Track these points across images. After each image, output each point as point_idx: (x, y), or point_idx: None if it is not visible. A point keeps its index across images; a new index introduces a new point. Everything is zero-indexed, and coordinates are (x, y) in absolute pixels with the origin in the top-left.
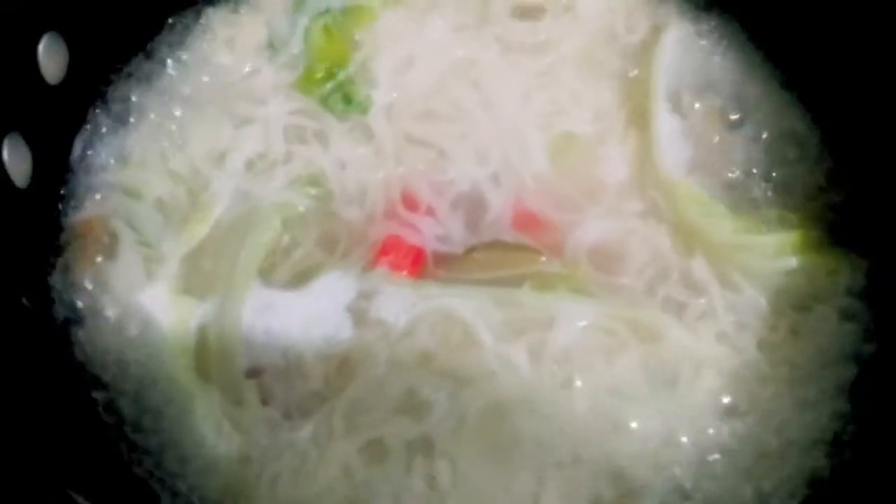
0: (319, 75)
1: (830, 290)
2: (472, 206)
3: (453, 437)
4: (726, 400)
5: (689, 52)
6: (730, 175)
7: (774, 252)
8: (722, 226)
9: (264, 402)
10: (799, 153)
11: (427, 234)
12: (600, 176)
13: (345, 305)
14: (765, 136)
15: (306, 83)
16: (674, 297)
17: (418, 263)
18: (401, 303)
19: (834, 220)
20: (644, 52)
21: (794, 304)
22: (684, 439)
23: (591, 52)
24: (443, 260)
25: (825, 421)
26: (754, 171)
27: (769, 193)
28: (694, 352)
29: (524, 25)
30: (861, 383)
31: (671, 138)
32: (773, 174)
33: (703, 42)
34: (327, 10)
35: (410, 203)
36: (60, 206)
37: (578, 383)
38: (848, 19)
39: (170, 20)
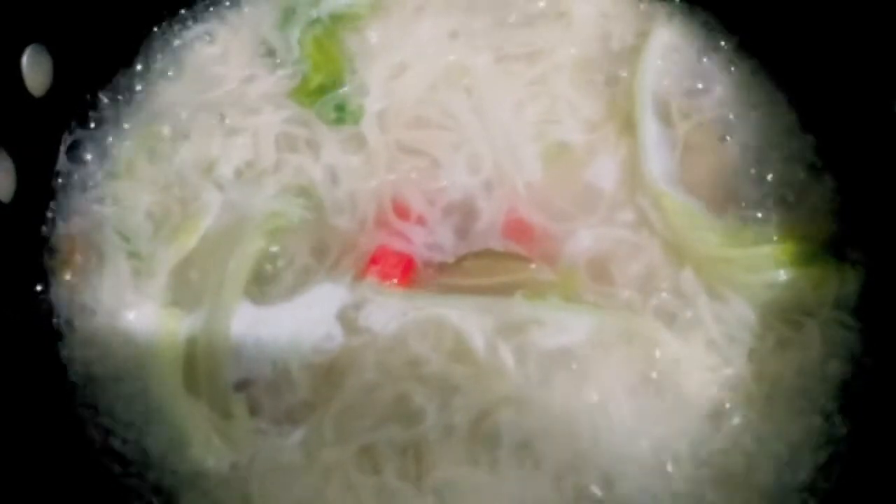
0: (313, 86)
1: (819, 303)
2: (464, 215)
3: (445, 443)
4: (715, 409)
5: (678, 58)
6: (719, 184)
7: (760, 265)
8: (707, 238)
9: (253, 412)
10: (791, 161)
11: (417, 242)
12: (593, 185)
13: (334, 315)
14: (756, 143)
15: (300, 94)
16: (664, 307)
17: (409, 272)
18: (390, 312)
19: (825, 231)
20: (635, 58)
21: (782, 316)
22: (674, 446)
23: (584, 59)
24: (433, 268)
25: (816, 433)
26: (744, 179)
27: (759, 203)
28: (684, 361)
29: (517, 31)
30: (852, 395)
31: (658, 146)
32: (764, 183)
33: (693, 47)
34: (318, 19)
35: (401, 211)
36: (47, 219)
37: (570, 389)
38: (842, 20)
39: (157, 30)
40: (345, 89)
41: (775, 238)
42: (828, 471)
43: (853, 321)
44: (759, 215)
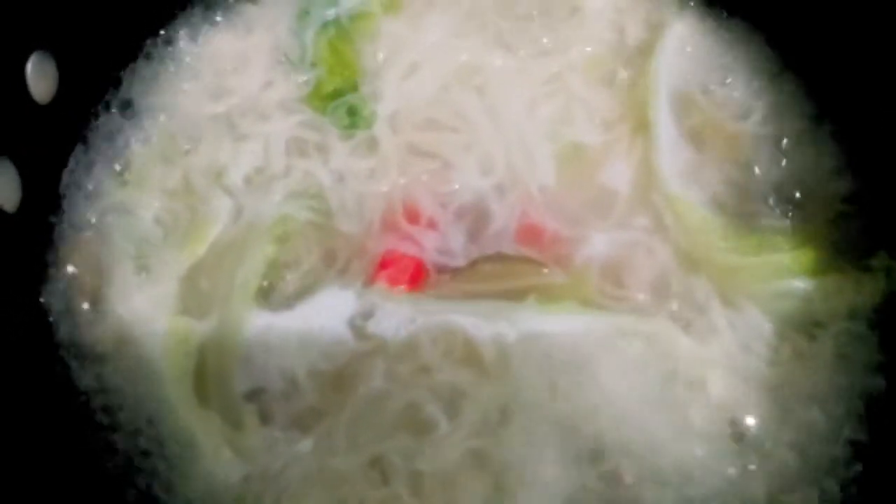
0: (327, 91)
1: (833, 313)
2: (476, 218)
3: (456, 451)
4: (732, 416)
5: (693, 53)
6: (735, 187)
7: (774, 273)
8: (720, 245)
9: (264, 421)
10: (811, 166)
11: (428, 246)
12: (607, 188)
13: (344, 321)
14: (774, 145)
15: (314, 99)
16: (678, 313)
17: (419, 276)
18: (399, 318)
19: (842, 239)
20: (649, 55)
21: (797, 326)
22: (690, 454)
23: (598, 56)
24: (444, 272)
25: (832, 445)
26: (761, 183)
27: (775, 208)
28: (700, 367)
29: (529, 28)
30: (868, 407)
31: (673, 147)
32: (782, 187)
33: (708, 41)
34: (331, 21)
35: (411, 215)
36: (53, 229)
37: (585, 394)
38: (864, 17)
39: (165, 34)
40: (358, 93)
41: (790, 246)
42: (847, 485)
43: (869, 332)
44: (775, 221)
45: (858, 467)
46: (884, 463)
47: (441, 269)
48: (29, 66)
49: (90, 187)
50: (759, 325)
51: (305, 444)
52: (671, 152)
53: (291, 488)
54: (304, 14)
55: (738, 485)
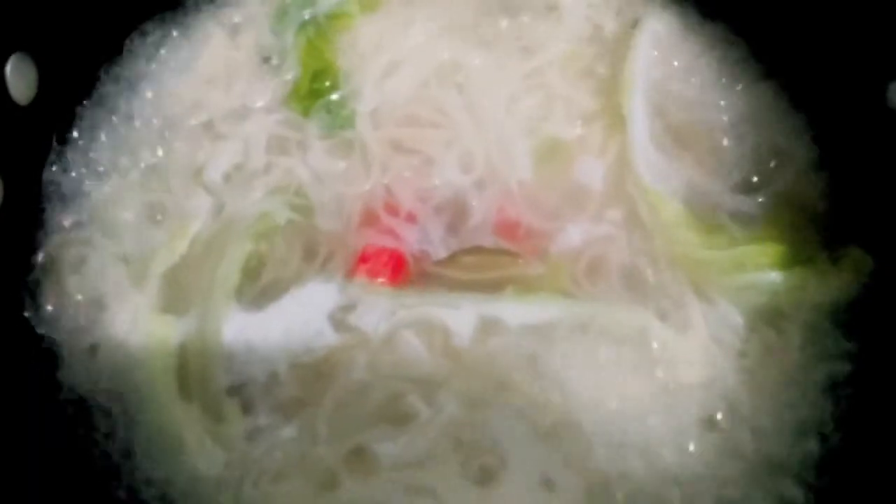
0: (306, 91)
1: (801, 306)
2: (455, 212)
3: (438, 443)
4: (704, 408)
5: (669, 49)
6: (708, 180)
7: (745, 266)
8: (693, 238)
9: (246, 412)
10: (783, 160)
11: (407, 239)
12: (583, 182)
13: (325, 315)
14: (748, 140)
15: (293, 99)
16: (653, 304)
17: (399, 270)
18: (380, 312)
19: (813, 233)
20: (626, 51)
21: (767, 319)
22: (660, 440)
23: (576, 53)
24: (424, 265)
25: (802, 435)
26: (734, 177)
27: (748, 202)
28: (671, 357)
29: (508, 25)
30: (837, 400)
31: (648, 142)
32: (754, 181)
33: (684, 38)
34: (309, 20)
35: (391, 210)
36: (34, 228)
37: (561, 381)
38: (842, 14)
39: (144, 35)
40: (338, 93)
41: (761, 239)
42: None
43: (834, 325)
44: (747, 215)
45: (826, 457)
46: (850, 453)
47: (420, 262)
48: (8, 68)
49: (71, 187)
50: (730, 318)
51: (287, 432)
52: (646, 147)
53: (272, 472)
54: (282, 14)
55: (707, 473)
